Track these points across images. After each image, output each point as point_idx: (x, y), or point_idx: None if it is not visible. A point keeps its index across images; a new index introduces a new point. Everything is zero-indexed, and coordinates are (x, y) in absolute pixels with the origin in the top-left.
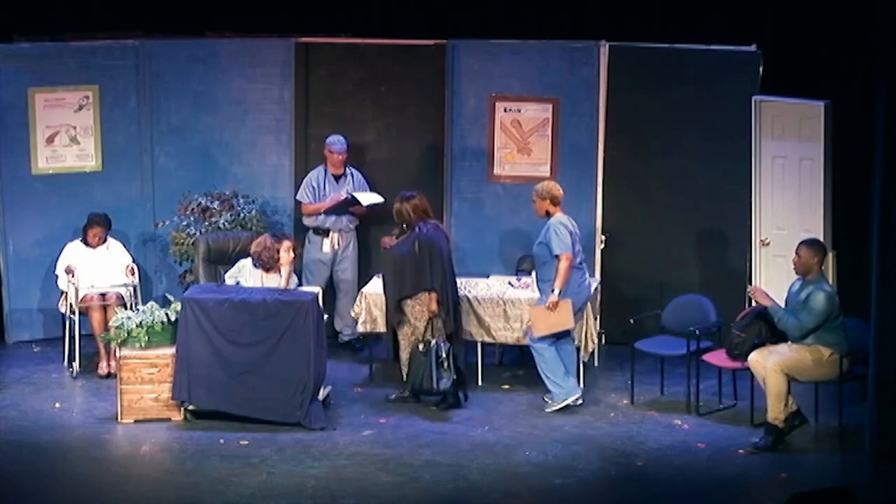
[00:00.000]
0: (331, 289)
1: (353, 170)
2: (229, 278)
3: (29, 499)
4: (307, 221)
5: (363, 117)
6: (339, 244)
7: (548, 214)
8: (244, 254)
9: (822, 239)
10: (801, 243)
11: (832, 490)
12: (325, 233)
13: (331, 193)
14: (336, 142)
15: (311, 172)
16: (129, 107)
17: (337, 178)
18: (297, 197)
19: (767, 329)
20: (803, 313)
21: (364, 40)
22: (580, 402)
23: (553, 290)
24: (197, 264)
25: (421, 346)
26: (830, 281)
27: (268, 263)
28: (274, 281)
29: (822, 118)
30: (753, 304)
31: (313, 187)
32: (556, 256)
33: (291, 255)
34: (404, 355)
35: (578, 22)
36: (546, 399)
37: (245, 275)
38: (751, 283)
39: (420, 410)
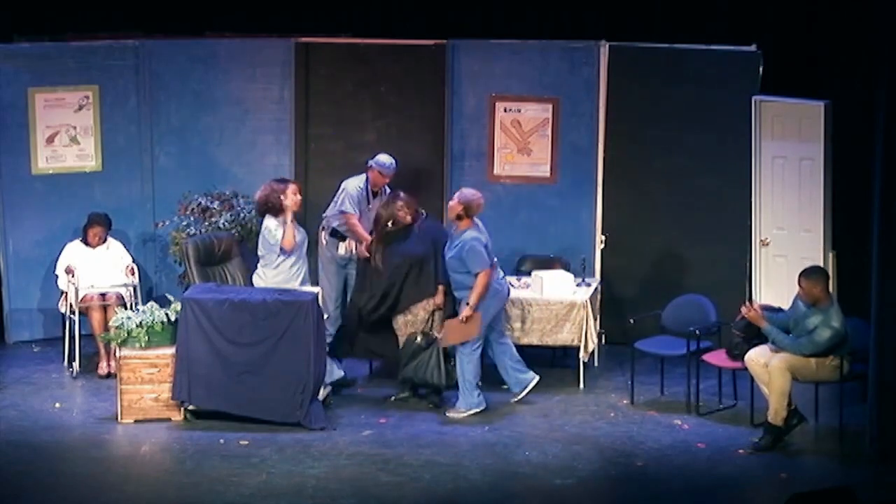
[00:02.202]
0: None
1: (387, 187)
2: (270, 241)
3: (29, 499)
4: (340, 227)
5: (363, 117)
6: (355, 247)
7: (458, 219)
8: (229, 252)
9: (822, 238)
10: (799, 275)
11: (832, 490)
12: (342, 237)
13: (372, 208)
14: (388, 165)
15: (351, 182)
16: (129, 107)
17: (374, 193)
18: (342, 208)
19: None
20: (806, 340)
21: (364, 40)
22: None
23: (468, 304)
24: (190, 267)
25: (419, 339)
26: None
27: (275, 207)
28: (279, 224)
29: (822, 118)
30: (750, 301)
31: (358, 200)
32: (476, 273)
33: (298, 197)
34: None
35: (578, 22)
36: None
37: (277, 226)
38: (750, 299)
39: (420, 410)
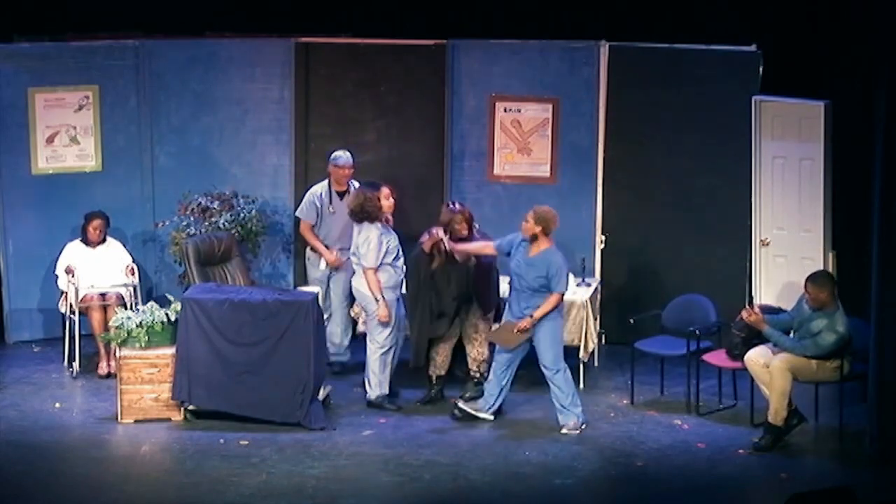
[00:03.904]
0: None
1: (355, 184)
2: (374, 248)
3: (29, 499)
4: (307, 238)
5: (363, 117)
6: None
7: (533, 238)
8: (228, 252)
9: (822, 238)
10: (806, 279)
11: (832, 490)
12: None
13: (335, 210)
14: (342, 156)
15: (314, 188)
16: (129, 107)
17: (341, 195)
18: (297, 213)
19: None
20: (809, 342)
21: (364, 40)
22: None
23: (532, 315)
24: (190, 267)
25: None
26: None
27: (373, 214)
28: (389, 229)
29: (822, 118)
30: (751, 305)
31: (316, 206)
32: (551, 290)
33: (391, 201)
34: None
35: (578, 22)
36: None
37: (379, 237)
38: (749, 303)
39: (420, 410)
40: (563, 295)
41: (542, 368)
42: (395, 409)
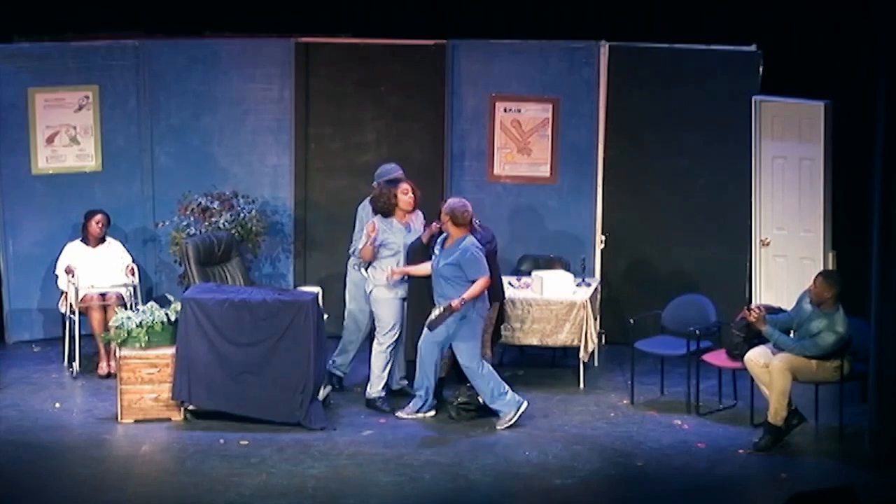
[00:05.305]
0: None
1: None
2: (377, 233)
3: (29, 499)
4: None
5: (363, 117)
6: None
7: (449, 230)
8: (228, 252)
9: (822, 238)
10: (818, 273)
11: (832, 490)
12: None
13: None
14: (390, 170)
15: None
16: (129, 107)
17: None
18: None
19: None
20: (809, 343)
21: (364, 40)
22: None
23: (463, 298)
24: (190, 267)
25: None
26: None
27: (386, 209)
28: (401, 227)
29: (822, 118)
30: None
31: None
32: (473, 280)
33: (410, 196)
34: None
35: (578, 22)
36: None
37: (386, 227)
38: (749, 303)
39: None
40: (486, 280)
41: (461, 366)
42: (389, 411)
